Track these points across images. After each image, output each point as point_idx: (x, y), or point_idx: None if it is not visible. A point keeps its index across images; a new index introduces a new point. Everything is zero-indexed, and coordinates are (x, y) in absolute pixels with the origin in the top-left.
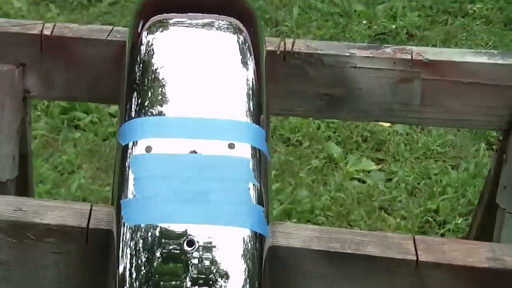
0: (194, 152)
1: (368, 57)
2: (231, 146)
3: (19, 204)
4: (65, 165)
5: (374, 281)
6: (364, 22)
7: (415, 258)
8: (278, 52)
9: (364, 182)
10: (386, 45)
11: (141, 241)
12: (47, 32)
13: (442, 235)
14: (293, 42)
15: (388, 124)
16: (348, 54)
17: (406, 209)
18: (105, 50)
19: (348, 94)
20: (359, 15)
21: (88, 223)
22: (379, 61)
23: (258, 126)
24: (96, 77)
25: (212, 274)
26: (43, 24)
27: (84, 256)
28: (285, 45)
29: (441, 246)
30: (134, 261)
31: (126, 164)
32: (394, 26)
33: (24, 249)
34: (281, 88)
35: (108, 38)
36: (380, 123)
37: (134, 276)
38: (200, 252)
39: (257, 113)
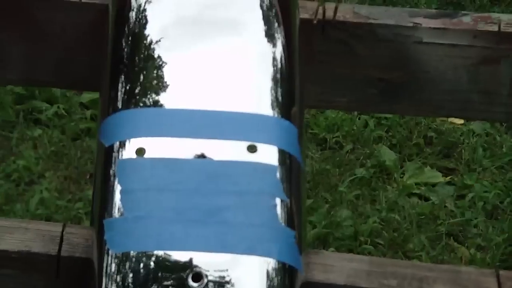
0: (202, 156)
1: (438, 28)
2: (251, 148)
3: None
4: (22, 173)
5: None
6: None
7: None
8: (315, 22)
9: (427, 199)
10: (463, 12)
11: (130, 274)
12: None
13: None
14: (336, 8)
15: (461, 121)
16: (411, 24)
17: (484, 237)
18: (79, 16)
19: (411, 79)
20: None
21: (60, 249)
22: (454, 35)
23: (288, 122)
24: (65, 54)
25: None
26: None
27: None
28: (324, 12)
29: None
30: None
31: (111, 172)
32: None
33: None
34: (319, 71)
35: (83, 0)
36: (450, 119)
37: None
38: None
39: (288, 105)
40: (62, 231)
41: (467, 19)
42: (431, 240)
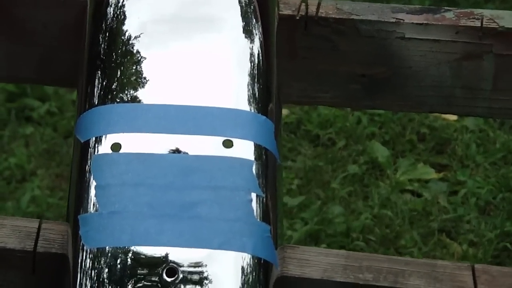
0: (178, 151)
1: (421, 24)
2: (227, 143)
3: None
4: (14, 170)
5: None
6: None
7: None
8: (297, 17)
9: (419, 195)
10: (446, 7)
11: (105, 269)
12: None
13: None
14: (319, 4)
15: (455, 118)
16: (393, 20)
17: (477, 233)
18: (62, 13)
19: (394, 75)
20: None
21: (36, 245)
22: (437, 30)
23: (264, 117)
24: (49, 51)
25: None
26: None
27: None
28: (307, 8)
29: (511, 278)
30: None
31: (86, 168)
32: None
33: None
34: (301, 67)
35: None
36: (443, 116)
37: None
38: (184, 285)
39: (264, 100)
40: (39, 227)
41: (449, 15)
42: (423, 236)
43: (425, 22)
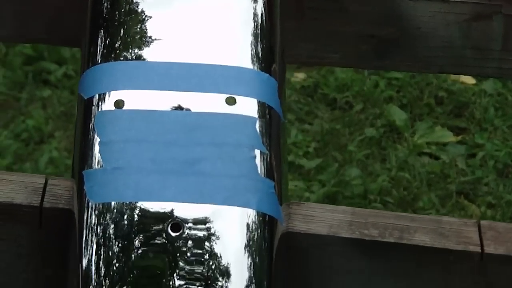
0: (181, 108)
1: None
2: (230, 100)
3: None
4: (31, 132)
5: (423, 280)
6: None
7: (479, 250)
8: None
9: (437, 158)
10: None
11: (110, 225)
12: None
13: None
14: None
15: (473, 81)
16: None
17: (495, 195)
18: None
19: (402, 35)
20: None
21: (42, 201)
22: None
23: (268, 75)
24: (58, 9)
25: (204, 269)
26: None
27: (38, 244)
28: None
29: None
30: (101, 252)
31: (90, 124)
32: None
33: None
34: (310, 27)
35: None
36: (461, 79)
37: (102, 271)
38: (189, 239)
39: (268, 60)
40: (45, 182)
41: None
42: (441, 198)
43: None
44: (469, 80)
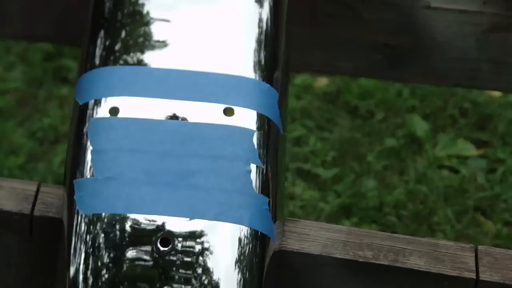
0: (177, 117)
1: None
2: (228, 111)
3: None
4: (47, 131)
5: None
6: None
7: (474, 277)
8: None
9: (457, 171)
10: None
11: (99, 235)
12: None
13: None
14: None
15: (499, 93)
16: None
17: None
18: None
19: (417, 46)
20: None
21: (33, 209)
22: (463, 0)
23: (268, 85)
24: (65, 9)
25: (193, 285)
26: None
27: (28, 252)
28: None
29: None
30: (89, 262)
31: (84, 131)
32: None
33: None
34: (323, 34)
35: None
36: (488, 91)
37: (89, 281)
38: (178, 254)
39: (270, 68)
40: (37, 190)
41: None
42: (457, 213)
43: None
44: (495, 92)
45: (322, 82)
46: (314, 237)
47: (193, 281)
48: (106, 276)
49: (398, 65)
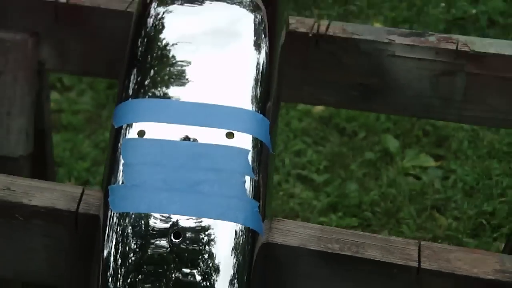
0: (189, 139)
1: (408, 45)
2: (229, 135)
3: (8, 183)
4: (107, 142)
5: (373, 286)
6: (443, 5)
7: (417, 265)
8: (310, 35)
9: (419, 178)
10: (430, 32)
11: (126, 228)
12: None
13: (495, 239)
14: (328, 25)
15: None
16: (387, 40)
17: (460, 210)
18: (125, 22)
19: (384, 85)
20: None
21: (78, 207)
22: (421, 51)
23: (262, 115)
24: (115, 52)
25: (198, 269)
26: None
27: (74, 241)
28: (318, 28)
29: (448, 254)
30: (118, 248)
31: (118, 148)
32: (474, 11)
33: (12, 230)
34: (312, 75)
35: (128, 10)
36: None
37: (118, 263)
38: (187, 245)
39: (264, 101)
40: (82, 193)
41: (432, 39)
42: (418, 210)
43: (412, 43)
44: None
45: (318, 108)
46: (294, 233)
47: (199, 264)
48: (132, 259)
49: (370, 100)
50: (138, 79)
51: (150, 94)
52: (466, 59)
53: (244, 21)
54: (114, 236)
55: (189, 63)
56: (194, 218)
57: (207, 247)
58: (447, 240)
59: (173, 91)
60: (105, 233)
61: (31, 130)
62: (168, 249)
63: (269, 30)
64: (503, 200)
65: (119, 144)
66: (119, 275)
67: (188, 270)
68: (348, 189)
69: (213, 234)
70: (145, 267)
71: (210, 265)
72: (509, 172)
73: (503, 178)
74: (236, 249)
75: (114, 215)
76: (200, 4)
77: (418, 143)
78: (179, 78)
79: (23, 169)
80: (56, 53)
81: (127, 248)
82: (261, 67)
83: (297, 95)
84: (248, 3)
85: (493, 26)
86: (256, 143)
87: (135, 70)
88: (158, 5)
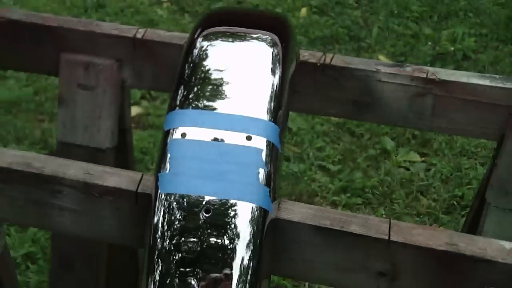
0: (218, 140)
1: (391, 73)
2: (248, 138)
3: (88, 169)
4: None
5: (354, 253)
6: (430, 43)
7: (387, 238)
8: (318, 64)
9: (408, 169)
10: (408, 64)
11: (171, 205)
12: (139, 35)
13: (463, 216)
14: (332, 57)
15: None
16: (375, 69)
17: (438, 194)
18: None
19: (373, 102)
20: (426, 37)
21: (137, 188)
22: (400, 77)
23: (274, 124)
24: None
25: (222, 236)
26: (137, 29)
27: (134, 212)
28: (325, 59)
29: (411, 230)
30: (164, 218)
31: (166, 145)
32: (452, 48)
33: (90, 202)
34: (319, 93)
35: (185, 44)
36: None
37: (165, 228)
38: (214, 218)
39: (275, 112)
40: (141, 178)
41: (409, 69)
42: (407, 194)
43: (394, 72)
44: None
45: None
46: (296, 212)
47: (224, 233)
48: (174, 227)
49: (363, 113)
50: (184, 94)
51: (192, 106)
52: (433, 84)
53: (265, 53)
54: (162, 209)
55: (221, 83)
56: (220, 199)
57: (229, 220)
58: (427, 216)
59: (208, 104)
60: (155, 207)
61: (115, 129)
62: (201, 221)
63: (283, 61)
64: (470, 187)
65: (167, 143)
66: (165, 237)
67: (215, 237)
68: (355, 177)
69: (234, 211)
70: (182, 232)
71: (232, 233)
72: (475, 167)
73: (470, 171)
74: (251, 222)
75: (162, 194)
76: (233, 41)
77: (409, 144)
78: (213, 94)
79: (109, 158)
80: (134, 73)
81: (171, 218)
82: (275, 87)
83: (308, 108)
84: (269, 40)
85: (467, 59)
86: (269, 144)
87: (182, 87)
88: (202, 40)
